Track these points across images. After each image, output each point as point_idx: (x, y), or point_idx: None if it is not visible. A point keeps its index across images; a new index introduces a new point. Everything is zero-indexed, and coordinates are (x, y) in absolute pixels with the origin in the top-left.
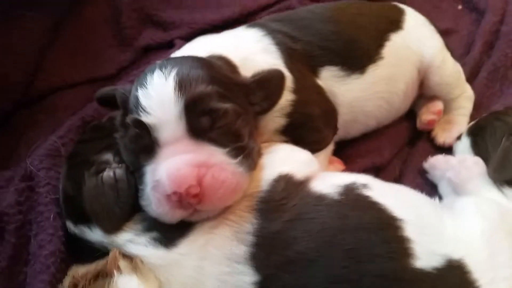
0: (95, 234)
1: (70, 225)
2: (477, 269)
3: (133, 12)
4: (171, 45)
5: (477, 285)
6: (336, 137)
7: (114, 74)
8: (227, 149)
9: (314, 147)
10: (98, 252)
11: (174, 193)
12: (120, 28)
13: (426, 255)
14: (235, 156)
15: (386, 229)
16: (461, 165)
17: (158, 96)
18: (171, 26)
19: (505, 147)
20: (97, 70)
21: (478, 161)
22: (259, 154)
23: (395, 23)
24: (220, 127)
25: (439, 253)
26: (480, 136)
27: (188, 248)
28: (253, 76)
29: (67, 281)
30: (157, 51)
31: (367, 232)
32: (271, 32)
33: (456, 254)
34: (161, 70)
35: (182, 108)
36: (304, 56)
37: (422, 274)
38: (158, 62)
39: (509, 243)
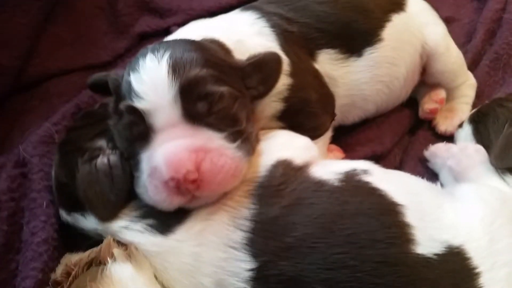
0: (89, 222)
1: (63, 213)
2: (477, 256)
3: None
4: (168, 33)
5: (477, 272)
6: (334, 122)
7: (110, 61)
8: (224, 134)
9: (312, 134)
10: (92, 240)
11: (172, 179)
12: (116, 15)
13: (427, 241)
14: (233, 140)
15: (386, 214)
16: (462, 153)
17: (151, 80)
18: (168, 13)
19: (507, 134)
20: (93, 57)
21: (479, 148)
22: (257, 139)
23: (397, 4)
24: (217, 112)
25: (440, 240)
26: (482, 123)
27: (185, 234)
28: (249, 59)
29: (60, 269)
30: (153, 38)
31: (367, 217)
32: (266, 14)
33: (456, 241)
34: (154, 54)
35: (176, 92)
36: (301, 39)
37: (423, 260)
38: (150, 46)
39: (509, 229)
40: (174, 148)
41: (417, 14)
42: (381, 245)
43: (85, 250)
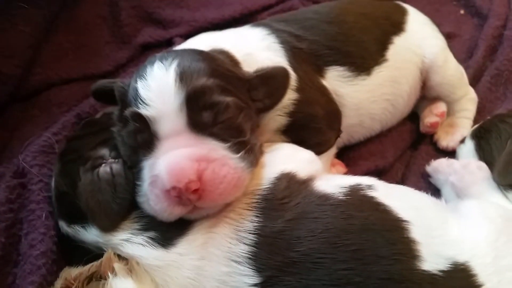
0: (90, 234)
1: (63, 225)
2: (482, 272)
3: (132, 10)
4: (170, 44)
5: None
6: (340, 142)
7: (111, 71)
8: (228, 144)
9: (316, 149)
10: (92, 253)
11: (173, 188)
12: (119, 25)
13: (432, 257)
14: (236, 151)
15: (391, 230)
16: (465, 170)
17: (158, 87)
18: (171, 24)
19: (510, 150)
20: (94, 67)
21: (482, 165)
22: (261, 151)
23: (397, 25)
24: (222, 122)
25: (445, 256)
26: (484, 139)
27: (187, 247)
28: (256, 71)
29: (59, 283)
30: (156, 49)
31: (372, 233)
32: (276, 31)
33: (461, 257)
34: (162, 62)
35: (183, 100)
36: (310, 56)
37: (429, 277)
38: (159, 54)
39: None
40: (177, 157)
41: (416, 31)
42: (387, 261)
43: (85, 264)
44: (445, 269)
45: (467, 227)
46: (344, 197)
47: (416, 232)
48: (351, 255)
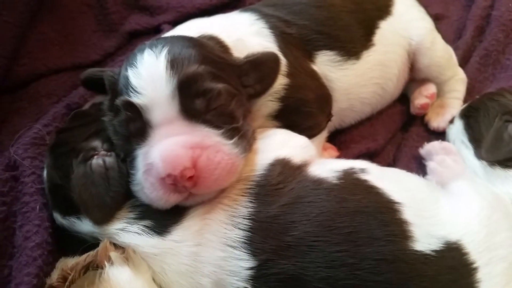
0: (85, 225)
1: (57, 217)
2: (474, 250)
3: None
4: (158, 30)
5: (475, 267)
6: (331, 126)
7: (99, 60)
8: (221, 131)
9: (308, 133)
10: (88, 243)
11: (169, 175)
12: (105, 13)
13: (425, 238)
14: (230, 137)
15: (384, 212)
16: (441, 166)
17: (149, 75)
18: (158, 10)
19: (497, 127)
20: (82, 56)
21: (456, 159)
22: (254, 136)
23: (384, 8)
24: (215, 108)
25: (437, 236)
26: (473, 118)
27: (183, 234)
28: (247, 57)
29: (55, 274)
30: (143, 36)
31: (365, 215)
32: (265, 16)
33: (453, 236)
34: (152, 49)
35: (174, 88)
36: (299, 41)
37: (421, 257)
38: (148, 41)
39: (506, 224)
40: (171, 144)
41: (403, 13)
42: (380, 242)
43: (81, 254)
44: (438, 249)
45: (459, 205)
46: (338, 181)
47: (408, 213)
48: (344, 238)
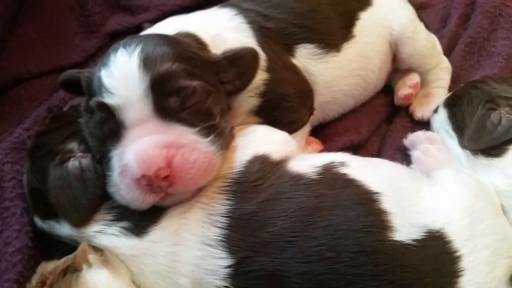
0: (64, 228)
1: (38, 221)
2: (458, 239)
3: None
4: (139, 30)
5: (458, 255)
6: (315, 120)
7: (81, 62)
8: (197, 128)
9: (290, 128)
10: (67, 247)
11: (143, 176)
12: (86, 14)
13: (405, 227)
14: (206, 135)
15: (363, 203)
16: (426, 155)
17: (121, 74)
18: (139, 9)
19: (480, 116)
20: (64, 59)
21: (441, 147)
22: (232, 134)
23: (363, 0)
24: (190, 106)
25: (419, 224)
26: (457, 107)
27: (160, 235)
28: (224, 53)
29: (35, 278)
30: (125, 36)
31: (343, 208)
32: (243, 11)
33: (436, 224)
34: (125, 48)
35: (147, 86)
36: (279, 35)
37: (401, 247)
38: (122, 41)
39: (490, 212)
40: (145, 145)
41: (383, 3)
42: (358, 234)
43: (60, 257)
44: (419, 238)
45: (442, 194)
46: (317, 176)
47: (388, 202)
48: (322, 232)
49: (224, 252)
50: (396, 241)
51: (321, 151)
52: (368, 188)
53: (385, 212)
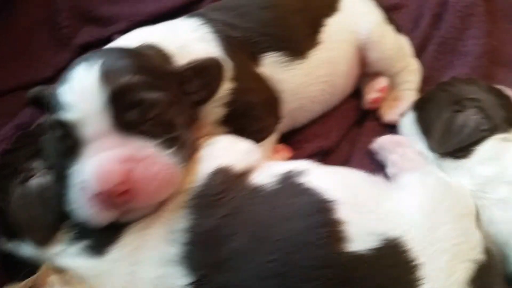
0: (26, 249)
1: (3, 241)
2: (416, 246)
3: (69, 11)
4: (110, 41)
5: (417, 263)
6: (285, 127)
7: (51, 77)
8: (159, 141)
9: (257, 137)
10: (31, 267)
11: (101, 192)
12: (57, 28)
13: (361, 236)
14: (168, 147)
15: (315, 214)
16: (403, 159)
17: (80, 89)
18: (109, 21)
19: (446, 118)
20: (33, 74)
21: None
22: (195, 145)
23: (331, 5)
24: (151, 119)
25: (376, 232)
26: (424, 109)
27: (119, 253)
28: (188, 63)
29: None
30: (95, 48)
31: (295, 220)
32: (210, 20)
33: (394, 232)
34: (84, 63)
35: (107, 100)
36: (245, 44)
37: (355, 258)
38: (84, 55)
39: (450, 216)
40: (103, 159)
41: (350, 8)
42: (309, 247)
43: (23, 278)
44: (376, 247)
45: (404, 199)
46: (276, 187)
47: (344, 211)
48: (275, 247)
49: (185, 269)
50: (350, 252)
51: (290, 158)
52: (322, 196)
53: (339, 221)
